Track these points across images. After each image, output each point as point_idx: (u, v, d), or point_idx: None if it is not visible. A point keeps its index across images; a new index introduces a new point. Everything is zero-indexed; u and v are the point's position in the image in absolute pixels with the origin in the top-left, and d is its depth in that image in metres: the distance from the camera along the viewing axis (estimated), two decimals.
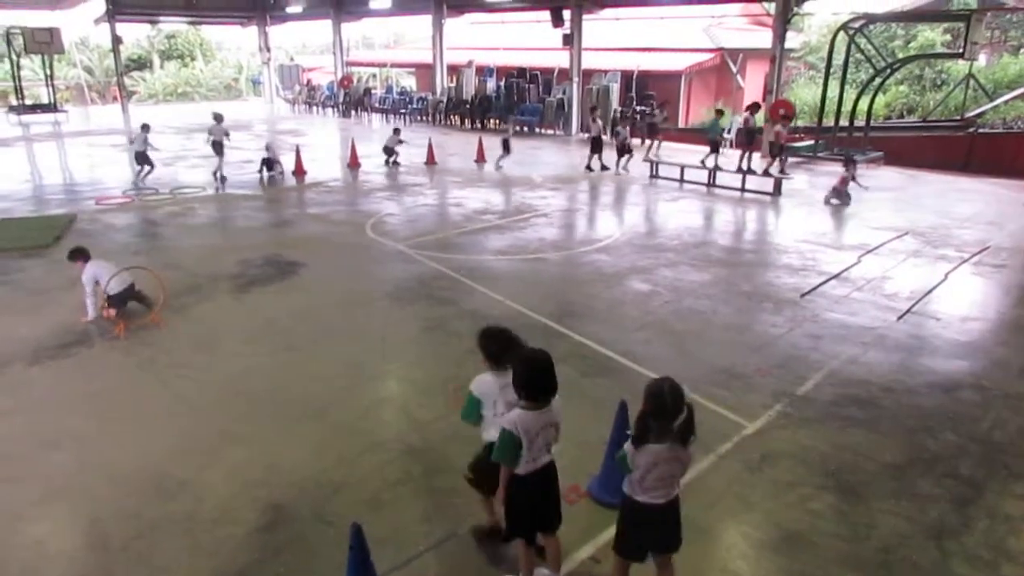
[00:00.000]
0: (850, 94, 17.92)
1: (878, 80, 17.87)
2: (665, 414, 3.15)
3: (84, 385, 6.05)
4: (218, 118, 16.08)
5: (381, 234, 10.90)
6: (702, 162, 15.18)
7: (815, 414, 5.55)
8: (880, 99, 21.45)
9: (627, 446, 3.24)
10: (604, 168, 16.54)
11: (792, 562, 3.98)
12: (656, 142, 18.01)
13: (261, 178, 15.63)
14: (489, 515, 4.01)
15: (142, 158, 15.03)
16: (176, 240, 10.69)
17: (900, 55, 23.04)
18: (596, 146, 16.57)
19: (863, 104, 17.57)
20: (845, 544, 4.10)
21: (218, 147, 15.69)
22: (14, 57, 28.56)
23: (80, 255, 7.40)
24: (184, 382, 6.10)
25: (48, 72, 29.48)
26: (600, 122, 17.37)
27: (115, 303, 7.26)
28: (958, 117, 19.59)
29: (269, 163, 15.91)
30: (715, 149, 15.47)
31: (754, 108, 15.39)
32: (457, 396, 3.69)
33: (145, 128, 15.28)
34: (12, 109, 28.87)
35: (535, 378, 3.30)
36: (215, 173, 15.46)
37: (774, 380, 6.10)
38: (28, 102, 30.22)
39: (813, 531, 4.23)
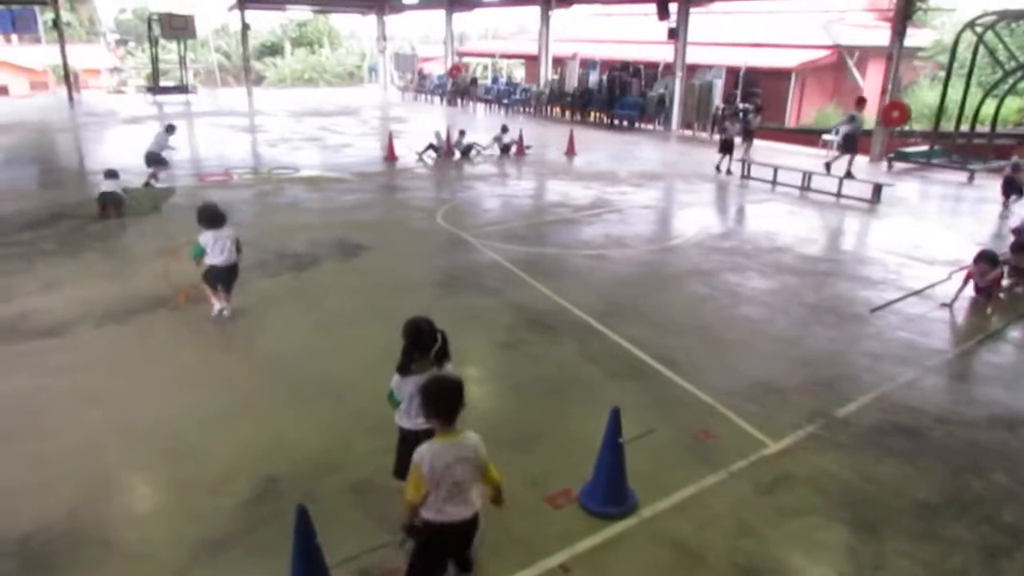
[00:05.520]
0: (976, 97, 16.43)
1: (1009, 83, 16.30)
2: (423, 344, 3.64)
3: (136, 349, 6.46)
4: (462, 132, 17.55)
5: (450, 221, 11.00)
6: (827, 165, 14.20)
7: (849, 439, 5.14)
8: (1013, 104, 19.58)
9: (394, 380, 3.73)
10: (730, 172, 15.66)
11: None
12: (749, 144, 16.93)
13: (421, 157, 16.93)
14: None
15: (154, 159, 13.23)
16: (258, 218, 11.22)
17: None
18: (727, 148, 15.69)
19: (989, 108, 16.07)
20: None
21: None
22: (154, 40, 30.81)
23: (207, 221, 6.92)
24: (224, 354, 6.39)
25: (182, 55, 31.60)
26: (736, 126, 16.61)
27: (211, 277, 6.95)
28: None
29: (435, 147, 17.08)
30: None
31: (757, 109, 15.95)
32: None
33: (170, 130, 14.01)
34: (149, 89, 31.18)
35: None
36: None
37: (814, 399, 5.70)
38: (165, 83, 32.52)
39: (811, 564, 3.92)
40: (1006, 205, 12.26)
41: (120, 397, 5.56)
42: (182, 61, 31.95)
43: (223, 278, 7.00)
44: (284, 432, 5.08)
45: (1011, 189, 12.22)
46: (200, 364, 6.20)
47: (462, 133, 17.55)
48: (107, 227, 10.35)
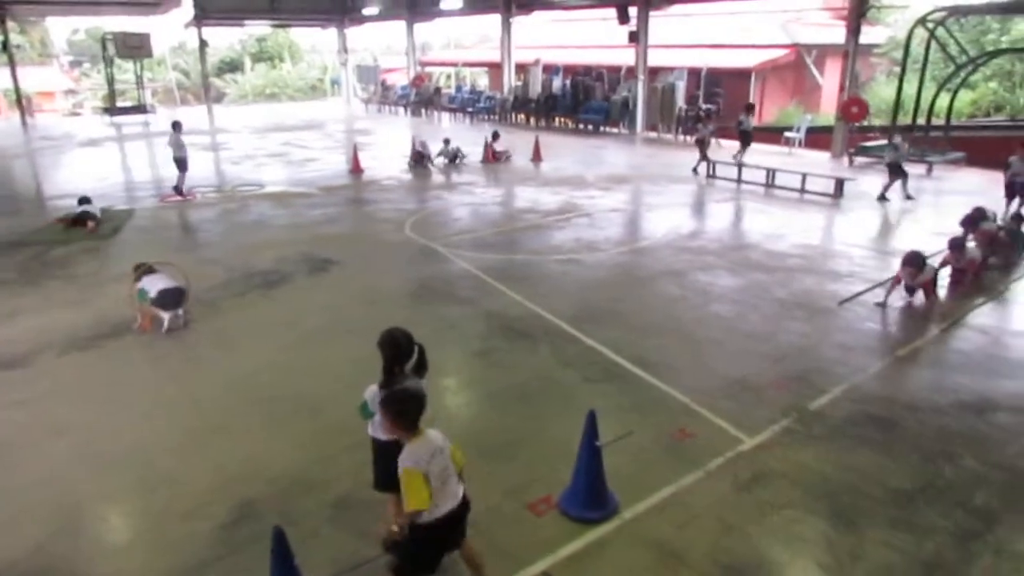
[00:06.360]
0: (931, 91, 16.84)
1: (961, 77, 16.72)
2: (403, 356, 3.66)
3: (103, 376, 6.31)
4: (447, 141, 17.81)
5: (419, 232, 10.95)
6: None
7: (824, 432, 5.20)
8: (967, 96, 20.07)
9: (369, 391, 3.67)
10: (696, 172, 15.80)
11: None
12: (747, 146, 16.59)
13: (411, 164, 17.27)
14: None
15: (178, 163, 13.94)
16: (223, 236, 11.07)
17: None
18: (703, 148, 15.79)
19: (944, 102, 16.46)
20: (823, 575, 3.81)
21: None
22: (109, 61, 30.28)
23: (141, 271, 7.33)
24: (194, 377, 6.27)
25: (138, 75, 31.12)
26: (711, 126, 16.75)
27: (159, 303, 7.06)
28: None
29: (420, 156, 17.32)
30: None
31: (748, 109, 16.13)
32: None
33: (176, 127, 14.03)
34: (106, 111, 30.63)
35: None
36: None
37: (788, 393, 5.75)
38: (122, 104, 31.99)
39: (792, 557, 3.95)
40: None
41: (87, 426, 5.42)
42: (139, 81, 31.44)
43: (174, 300, 7.16)
44: (259, 452, 5.00)
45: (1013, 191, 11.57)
46: (169, 388, 6.07)
47: (446, 141, 17.69)
48: (67, 254, 10.11)
